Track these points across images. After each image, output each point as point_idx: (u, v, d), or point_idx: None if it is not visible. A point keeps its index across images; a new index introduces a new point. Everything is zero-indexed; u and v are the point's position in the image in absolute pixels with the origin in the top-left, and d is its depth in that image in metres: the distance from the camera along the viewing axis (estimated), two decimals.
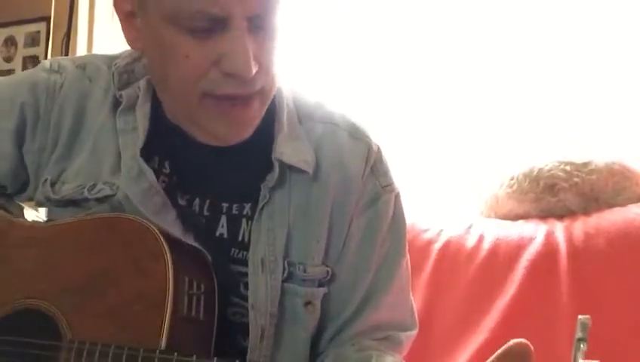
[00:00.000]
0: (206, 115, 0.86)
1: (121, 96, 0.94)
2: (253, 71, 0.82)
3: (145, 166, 0.90)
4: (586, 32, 2.03)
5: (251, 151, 0.93)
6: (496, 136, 2.08)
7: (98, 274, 0.82)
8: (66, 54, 2.46)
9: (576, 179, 1.64)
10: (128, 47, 0.94)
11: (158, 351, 0.77)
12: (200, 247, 0.90)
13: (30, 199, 1.00)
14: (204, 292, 0.85)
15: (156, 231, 0.83)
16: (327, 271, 0.95)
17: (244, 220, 0.93)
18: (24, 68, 2.60)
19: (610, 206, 1.62)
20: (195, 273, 0.85)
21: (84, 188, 0.92)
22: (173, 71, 0.84)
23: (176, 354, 0.76)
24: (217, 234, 0.93)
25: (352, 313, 0.97)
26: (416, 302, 1.08)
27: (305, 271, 0.93)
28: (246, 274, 0.92)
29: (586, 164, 1.67)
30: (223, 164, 0.94)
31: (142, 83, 0.95)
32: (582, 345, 0.68)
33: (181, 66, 0.83)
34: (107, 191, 0.91)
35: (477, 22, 2.16)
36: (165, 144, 0.94)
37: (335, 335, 0.98)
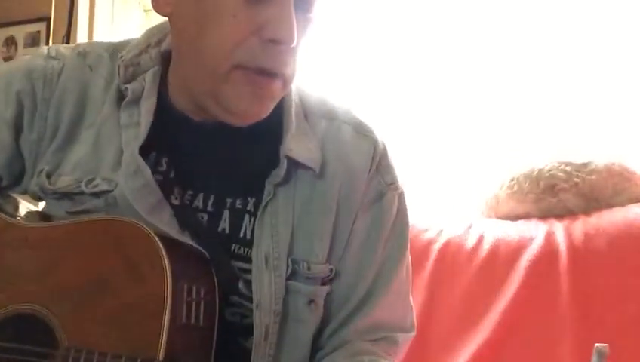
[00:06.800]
0: (232, 88, 0.83)
1: (126, 89, 0.91)
2: (295, 40, 0.81)
3: (142, 163, 0.88)
4: (586, 33, 2.03)
5: (259, 145, 0.91)
6: (497, 136, 2.08)
7: (95, 280, 0.80)
8: None
9: (576, 180, 1.64)
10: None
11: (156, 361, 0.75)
12: (198, 247, 0.87)
13: (24, 192, 0.98)
14: (203, 298, 0.83)
15: (153, 234, 0.81)
16: (331, 270, 0.93)
17: (246, 216, 0.92)
18: None
19: (610, 206, 1.62)
20: (195, 277, 0.84)
21: (81, 182, 0.90)
22: (212, 34, 0.81)
23: None
24: (220, 229, 0.91)
25: (352, 310, 0.96)
26: (416, 302, 1.08)
27: (309, 269, 0.91)
28: (247, 271, 0.90)
29: (585, 165, 1.67)
30: (229, 158, 0.92)
31: (148, 75, 0.92)
32: None
33: (225, 27, 0.80)
34: (104, 187, 0.89)
35: (477, 23, 2.16)
36: (168, 138, 0.92)
37: (334, 332, 0.97)
